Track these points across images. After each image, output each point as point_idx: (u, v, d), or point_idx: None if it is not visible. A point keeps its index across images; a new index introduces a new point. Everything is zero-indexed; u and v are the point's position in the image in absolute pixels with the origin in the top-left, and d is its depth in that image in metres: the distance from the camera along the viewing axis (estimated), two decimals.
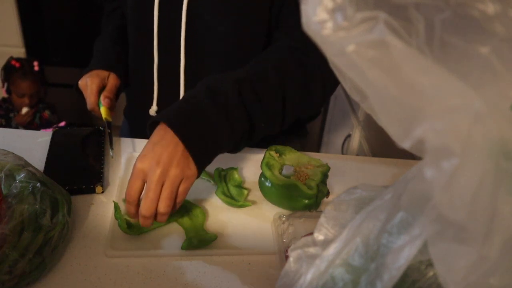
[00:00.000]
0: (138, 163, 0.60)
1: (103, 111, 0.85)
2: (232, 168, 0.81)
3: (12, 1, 2.10)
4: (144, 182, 0.60)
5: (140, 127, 0.92)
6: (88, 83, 0.86)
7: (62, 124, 2.11)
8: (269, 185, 0.73)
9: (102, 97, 0.86)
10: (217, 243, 0.66)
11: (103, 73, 0.89)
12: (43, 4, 2.18)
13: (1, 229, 0.55)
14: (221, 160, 0.80)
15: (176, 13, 0.81)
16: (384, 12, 0.31)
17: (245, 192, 0.77)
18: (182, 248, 0.65)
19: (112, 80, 0.90)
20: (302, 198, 0.72)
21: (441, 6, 0.32)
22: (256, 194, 0.79)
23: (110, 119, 0.85)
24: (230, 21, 0.81)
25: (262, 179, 0.75)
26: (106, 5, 1.05)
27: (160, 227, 0.67)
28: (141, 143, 0.90)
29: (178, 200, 0.61)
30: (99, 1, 1.06)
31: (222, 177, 0.79)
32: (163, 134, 0.61)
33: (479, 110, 0.30)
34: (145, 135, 0.67)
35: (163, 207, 0.59)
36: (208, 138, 0.63)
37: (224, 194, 0.76)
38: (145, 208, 0.59)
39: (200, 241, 0.65)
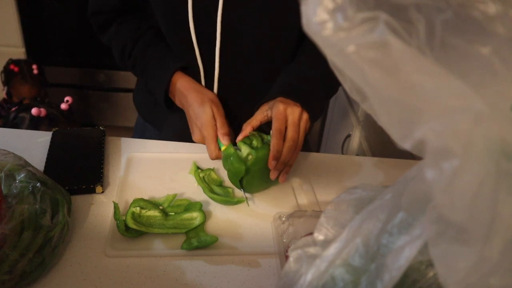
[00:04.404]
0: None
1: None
2: (209, 169, 0.81)
3: (12, 1, 2.10)
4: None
5: (162, 125, 0.97)
6: (205, 133, 0.78)
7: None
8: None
9: (220, 136, 0.77)
10: (217, 243, 0.66)
11: (208, 108, 0.79)
12: (43, 4, 2.18)
13: (1, 229, 0.55)
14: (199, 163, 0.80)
15: (211, 24, 0.82)
16: (385, 12, 0.31)
17: (230, 190, 0.78)
18: (182, 248, 0.65)
19: (221, 110, 0.81)
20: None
21: (441, 7, 0.32)
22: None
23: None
24: (265, 29, 0.83)
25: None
26: (98, 18, 0.93)
27: (159, 232, 0.67)
28: (141, 143, 0.90)
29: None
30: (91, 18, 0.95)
31: (202, 179, 0.79)
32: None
33: (479, 110, 0.30)
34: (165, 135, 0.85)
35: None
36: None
37: (215, 193, 0.76)
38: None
39: (200, 242, 0.65)
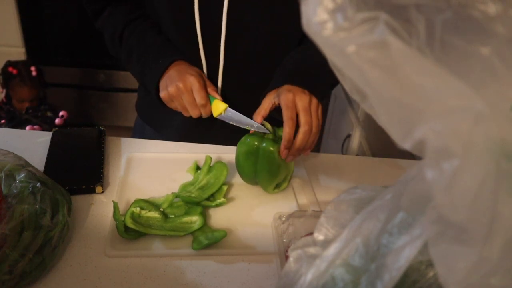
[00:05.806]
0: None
1: (217, 102, 0.81)
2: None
3: (12, 1, 2.09)
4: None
5: (166, 124, 0.96)
6: (192, 81, 0.80)
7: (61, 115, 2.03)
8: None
9: (212, 91, 0.81)
10: (217, 243, 0.66)
11: (198, 71, 0.84)
12: (43, 4, 2.18)
13: (1, 229, 0.55)
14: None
15: (217, 17, 0.82)
16: (385, 12, 0.31)
17: (224, 188, 0.78)
18: (194, 249, 0.65)
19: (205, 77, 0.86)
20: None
21: (441, 7, 0.32)
22: (245, 192, 0.79)
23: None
24: (269, 24, 0.84)
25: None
26: (93, 5, 0.93)
27: (157, 233, 0.67)
28: (141, 143, 0.90)
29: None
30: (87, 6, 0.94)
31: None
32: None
33: (479, 110, 0.30)
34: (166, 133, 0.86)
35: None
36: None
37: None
38: None
39: (209, 239, 0.65)
